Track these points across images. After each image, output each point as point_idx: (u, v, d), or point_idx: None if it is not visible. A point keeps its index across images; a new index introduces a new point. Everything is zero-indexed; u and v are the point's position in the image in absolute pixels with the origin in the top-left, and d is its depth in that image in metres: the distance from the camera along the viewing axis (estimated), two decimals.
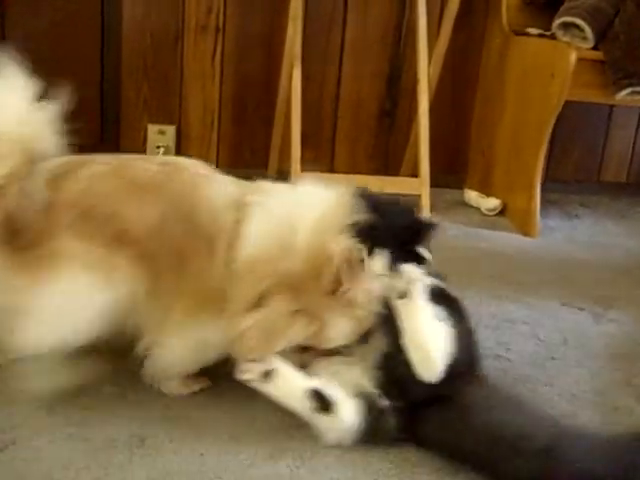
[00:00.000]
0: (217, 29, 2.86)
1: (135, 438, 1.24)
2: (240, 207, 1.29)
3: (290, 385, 1.24)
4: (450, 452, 1.26)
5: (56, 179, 1.26)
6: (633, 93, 2.57)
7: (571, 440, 1.22)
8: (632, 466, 1.15)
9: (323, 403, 1.22)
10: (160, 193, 1.27)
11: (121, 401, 1.35)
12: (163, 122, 2.89)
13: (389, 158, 3.11)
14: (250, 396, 1.39)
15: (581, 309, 2.01)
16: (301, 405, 1.24)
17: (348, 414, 1.23)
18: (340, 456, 1.25)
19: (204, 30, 2.85)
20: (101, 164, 1.30)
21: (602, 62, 2.57)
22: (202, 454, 1.22)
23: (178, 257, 1.26)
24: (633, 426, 1.44)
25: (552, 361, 1.69)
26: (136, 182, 1.28)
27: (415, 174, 2.73)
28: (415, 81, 2.74)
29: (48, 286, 1.22)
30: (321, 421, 1.24)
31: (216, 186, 1.33)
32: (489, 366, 1.54)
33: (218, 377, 1.44)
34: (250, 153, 3.00)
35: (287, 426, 1.32)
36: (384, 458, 1.26)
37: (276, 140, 2.88)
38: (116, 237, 1.23)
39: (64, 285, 1.23)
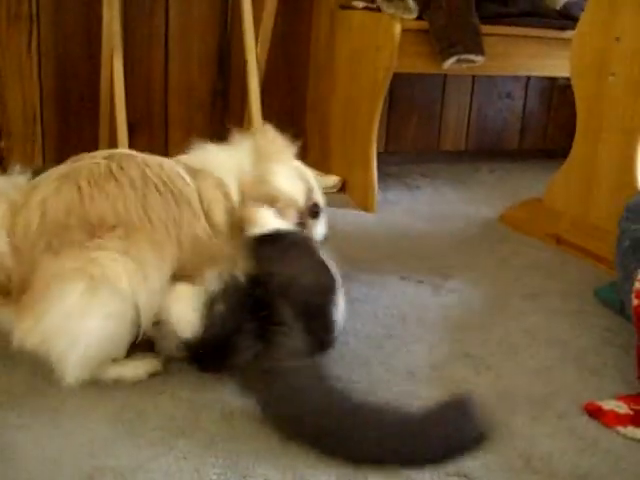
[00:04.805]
0: (31, 18, 2.68)
1: None
2: (195, 174, 1.49)
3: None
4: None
5: (13, 219, 1.34)
6: (459, 61, 2.60)
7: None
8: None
9: None
10: (119, 177, 1.39)
11: None
12: None
13: (225, 139, 3.01)
14: (68, 411, 1.30)
15: (420, 282, 2.00)
16: None
17: None
18: (166, 470, 1.17)
19: (17, 19, 2.67)
20: (48, 184, 1.38)
21: (427, 32, 2.58)
22: None
23: (173, 223, 1.41)
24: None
25: (390, 340, 1.66)
26: (90, 179, 1.37)
27: None
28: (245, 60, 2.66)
29: (54, 309, 1.28)
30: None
31: (166, 161, 1.50)
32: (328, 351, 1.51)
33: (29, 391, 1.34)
34: (78, 147, 2.79)
35: (108, 441, 1.23)
36: (215, 465, 1.19)
37: (104, 131, 2.74)
38: (93, 232, 1.33)
39: (71, 298, 1.28)
